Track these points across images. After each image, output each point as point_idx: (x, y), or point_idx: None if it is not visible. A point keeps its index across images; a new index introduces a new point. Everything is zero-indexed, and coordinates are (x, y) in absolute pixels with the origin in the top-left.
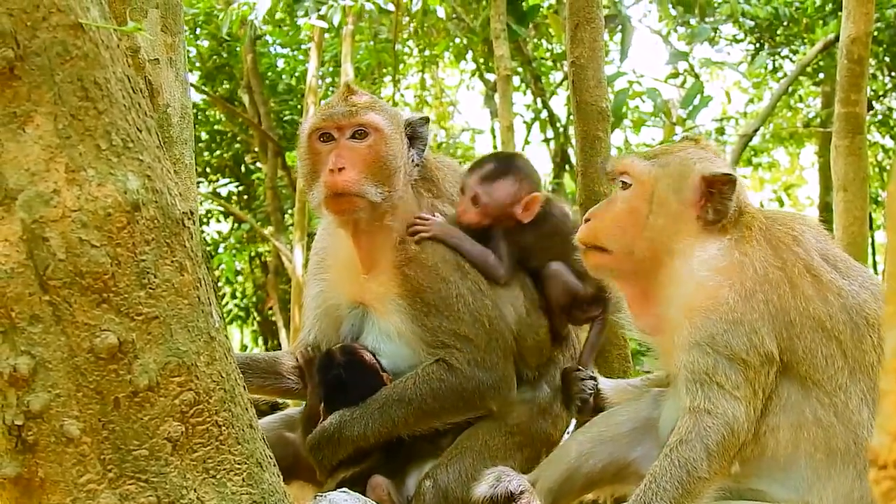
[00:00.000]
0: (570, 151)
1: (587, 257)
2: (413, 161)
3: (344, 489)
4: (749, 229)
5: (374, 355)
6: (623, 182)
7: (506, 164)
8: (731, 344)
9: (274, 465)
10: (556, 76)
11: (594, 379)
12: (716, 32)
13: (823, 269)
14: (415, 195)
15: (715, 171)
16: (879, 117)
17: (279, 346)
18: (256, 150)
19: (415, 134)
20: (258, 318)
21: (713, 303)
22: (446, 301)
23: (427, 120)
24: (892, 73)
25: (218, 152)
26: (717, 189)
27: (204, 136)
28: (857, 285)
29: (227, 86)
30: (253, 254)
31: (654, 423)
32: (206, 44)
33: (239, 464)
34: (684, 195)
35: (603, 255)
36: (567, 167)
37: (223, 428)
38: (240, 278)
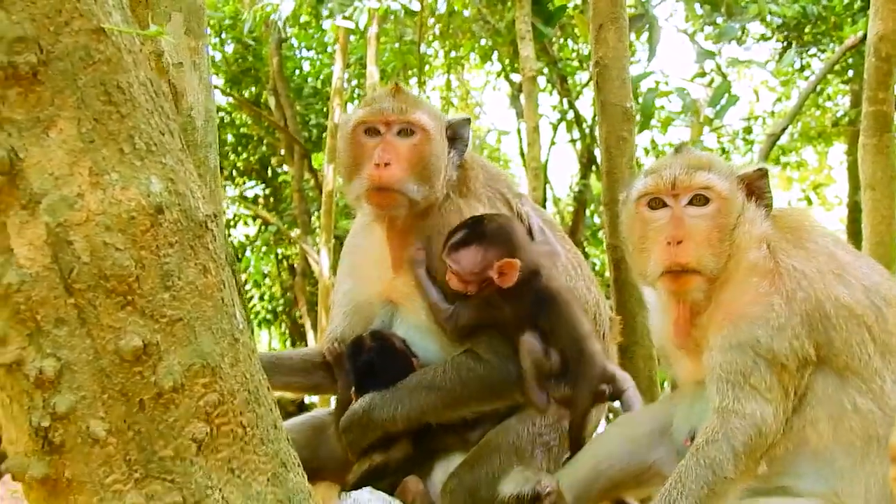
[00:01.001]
0: (597, 152)
1: (681, 282)
2: (454, 162)
3: (368, 487)
4: (778, 228)
5: (403, 341)
6: (703, 197)
7: (473, 231)
8: (774, 349)
9: (298, 466)
10: (582, 76)
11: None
12: (743, 31)
13: (840, 253)
14: (447, 196)
15: (747, 170)
16: None
17: None
18: (283, 152)
19: (456, 135)
20: (286, 321)
21: (761, 309)
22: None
23: (468, 121)
24: None
25: (244, 155)
26: (756, 186)
27: (230, 139)
28: (867, 268)
29: (254, 89)
30: (280, 256)
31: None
32: (231, 47)
33: (264, 464)
34: (744, 201)
35: (697, 278)
36: (594, 168)
37: (248, 428)
38: (267, 281)
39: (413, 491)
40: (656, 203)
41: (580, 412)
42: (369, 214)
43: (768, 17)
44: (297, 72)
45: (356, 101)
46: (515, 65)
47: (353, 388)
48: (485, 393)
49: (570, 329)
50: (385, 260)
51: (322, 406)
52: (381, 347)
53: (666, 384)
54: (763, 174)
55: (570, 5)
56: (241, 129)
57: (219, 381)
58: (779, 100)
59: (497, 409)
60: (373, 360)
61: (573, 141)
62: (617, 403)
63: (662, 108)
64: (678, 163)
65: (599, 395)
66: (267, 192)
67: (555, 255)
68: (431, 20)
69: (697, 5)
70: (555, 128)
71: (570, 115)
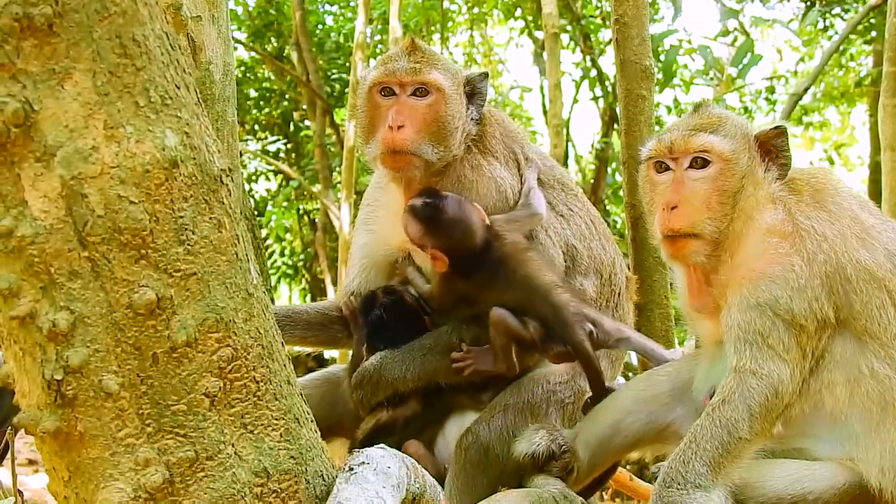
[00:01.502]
0: (619, 109)
1: (678, 247)
2: (472, 118)
3: (381, 444)
4: (799, 189)
5: (418, 299)
6: (701, 160)
7: (423, 208)
8: (793, 310)
9: (312, 422)
10: (606, 34)
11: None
12: None
13: (864, 216)
14: (465, 150)
15: (764, 128)
16: None
17: None
18: (305, 107)
19: (474, 90)
20: (307, 276)
21: (781, 269)
22: None
23: (486, 76)
24: None
25: (266, 110)
26: (773, 145)
27: (252, 94)
28: (893, 231)
29: (276, 43)
30: (301, 212)
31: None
32: (253, 1)
33: (276, 419)
34: (756, 162)
35: (695, 242)
36: (615, 126)
37: (261, 384)
38: (288, 236)
39: (414, 455)
40: (660, 166)
41: (587, 358)
42: (387, 175)
43: None
44: (320, 26)
45: (378, 57)
46: (538, 21)
47: (364, 344)
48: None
49: (531, 286)
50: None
51: (342, 362)
52: (392, 303)
53: (686, 342)
54: (781, 132)
55: None
56: (264, 84)
57: (232, 335)
58: (802, 59)
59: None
60: (383, 315)
61: (595, 98)
62: (634, 359)
63: (685, 66)
64: (682, 125)
65: (592, 337)
66: (289, 146)
67: (534, 217)
68: None
69: None
70: (577, 85)
71: (593, 72)
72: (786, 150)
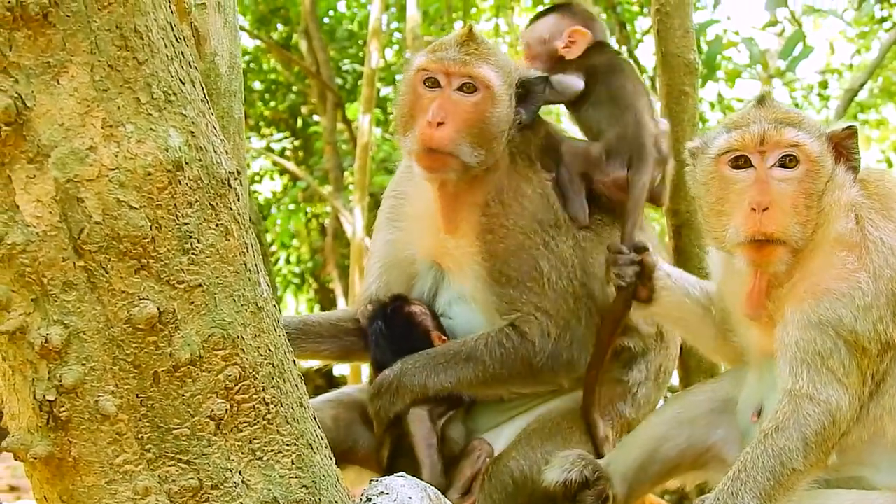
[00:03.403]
0: (657, 105)
1: (765, 253)
2: (519, 123)
3: (402, 473)
4: (868, 193)
5: (434, 314)
6: (791, 157)
7: (550, 8)
8: (857, 331)
9: (326, 447)
10: (644, 23)
11: (638, 263)
12: None
13: None
14: (509, 159)
15: (835, 127)
16: None
17: None
18: (314, 101)
19: (528, 93)
20: (314, 285)
21: (847, 286)
22: (529, 275)
23: (545, 80)
24: None
25: (272, 104)
26: (843, 145)
27: (257, 86)
28: None
29: (282, 31)
30: (309, 215)
31: (734, 404)
32: None
33: (288, 445)
34: (832, 163)
35: (782, 249)
36: None
37: (271, 406)
38: (295, 242)
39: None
40: (740, 162)
41: (638, 195)
42: (420, 173)
43: None
44: (331, 13)
45: (395, 47)
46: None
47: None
48: (525, 375)
49: (623, 97)
50: (434, 217)
51: (353, 380)
52: (393, 313)
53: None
54: (852, 132)
55: None
56: (269, 76)
57: (240, 353)
58: (857, 52)
59: (537, 391)
60: (382, 327)
61: None
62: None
63: (729, 59)
64: (765, 116)
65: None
66: (296, 144)
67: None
68: None
69: None
70: None
71: None
72: (856, 151)
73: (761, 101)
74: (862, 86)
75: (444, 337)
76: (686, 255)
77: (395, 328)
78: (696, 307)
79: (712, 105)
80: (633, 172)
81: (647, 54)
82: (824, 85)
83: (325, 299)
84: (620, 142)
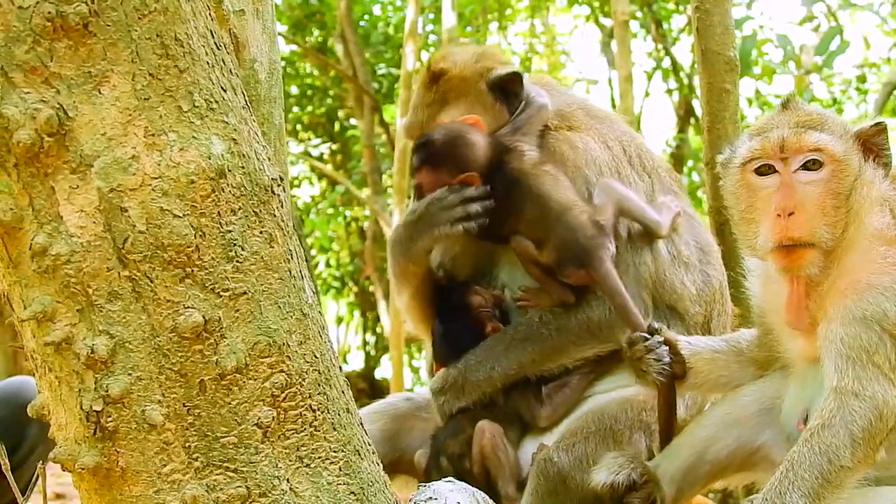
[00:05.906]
0: (696, 103)
1: (795, 258)
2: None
3: (450, 479)
4: None
5: (495, 301)
6: (814, 161)
7: (423, 152)
8: None
9: (373, 453)
10: (680, 21)
11: (664, 343)
12: None
13: None
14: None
15: (863, 125)
16: None
17: (378, 319)
18: (351, 105)
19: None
20: (354, 289)
21: (890, 280)
22: None
23: (517, 75)
24: None
25: (309, 108)
26: (873, 142)
27: (294, 91)
28: None
29: (319, 36)
30: (348, 219)
31: (782, 403)
32: None
33: (335, 451)
34: (862, 161)
35: (812, 251)
36: (692, 121)
37: (317, 412)
38: (334, 246)
39: (488, 440)
40: (764, 169)
41: (605, 278)
42: None
43: None
44: (367, 16)
45: (431, 49)
46: (606, 8)
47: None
48: (585, 336)
49: (545, 206)
50: None
51: (395, 384)
52: (455, 308)
53: None
54: (882, 129)
55: None
56: (306, 80)
57: (286, 360)
58: (895, 45)
59: (599, 354)
60: (438, 322)
61: (669, 91)
62: None
63: (766, 54)
64: (786, 121)
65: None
66: (334, 148)
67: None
68: None
69: None
70: (649, 77)
71: (666, 62)
72: (886, 147)
73: (785, 104)
74: None
75: (496, 326)
76: (731, 255)
77: (451, 323)
78: (729, 355)
79: (749, 101)
80: (587, 267)
81: (683, 52)
82: (862, 79)
83: (366, 303)
84: (563, 251)
